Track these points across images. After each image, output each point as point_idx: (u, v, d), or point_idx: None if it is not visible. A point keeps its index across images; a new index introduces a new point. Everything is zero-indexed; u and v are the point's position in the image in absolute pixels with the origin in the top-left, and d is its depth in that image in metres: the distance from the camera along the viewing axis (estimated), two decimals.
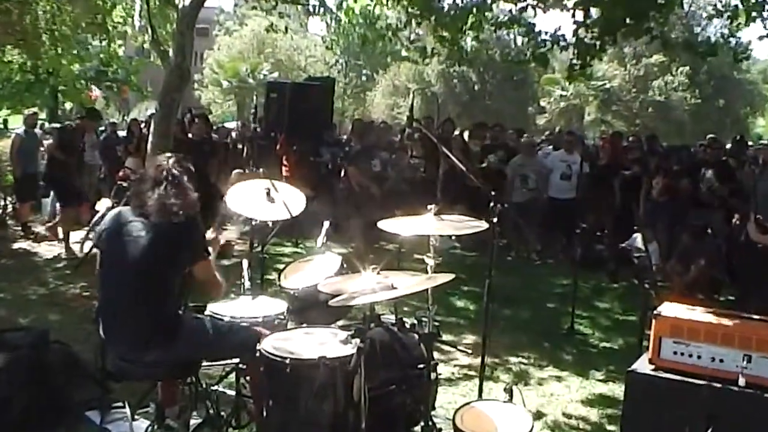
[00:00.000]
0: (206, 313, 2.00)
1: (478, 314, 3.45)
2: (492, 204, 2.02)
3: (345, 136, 7.47)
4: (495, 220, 2.02)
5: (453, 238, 5.46)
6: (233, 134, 7.17)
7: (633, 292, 4.06)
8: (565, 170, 5.34)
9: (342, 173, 5.76)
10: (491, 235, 2.01)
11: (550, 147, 6.31)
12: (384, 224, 1.93)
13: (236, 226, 2.15)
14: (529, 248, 5.33)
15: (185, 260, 1.70)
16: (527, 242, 5.27)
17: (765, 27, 4.09)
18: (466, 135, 7.62)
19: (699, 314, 1.67)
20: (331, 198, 5.96)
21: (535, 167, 5.51)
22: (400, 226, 1.94)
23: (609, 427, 2.30)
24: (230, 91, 22.56)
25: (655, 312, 1.67)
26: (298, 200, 2.41)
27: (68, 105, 12.22)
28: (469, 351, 2.97)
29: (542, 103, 21.75)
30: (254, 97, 6.35)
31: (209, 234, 1.88)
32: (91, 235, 4.12)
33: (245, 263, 2.21)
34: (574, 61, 4.63)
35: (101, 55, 9.25)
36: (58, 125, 7.52)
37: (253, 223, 2.38)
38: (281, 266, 2.46)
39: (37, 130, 6.25)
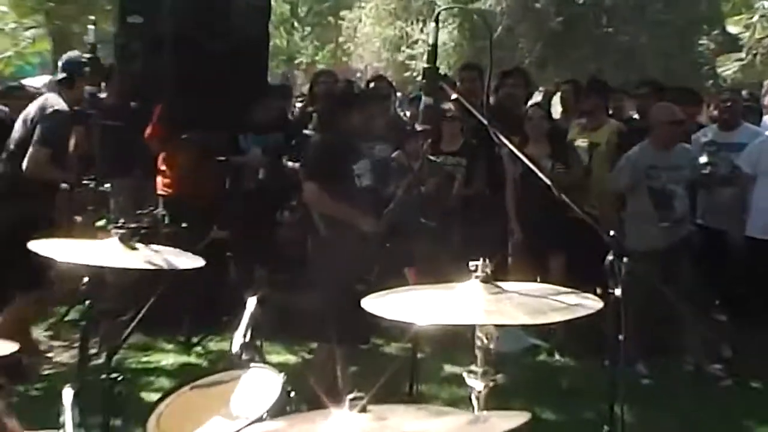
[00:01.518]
0: None
1: None
2: (612, 257, 2.00)
3: (297, 107, 7.69)
4: (619, 291, 1.99)
5: (524, 327, 5.41)
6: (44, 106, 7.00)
7: None
8: None
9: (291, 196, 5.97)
10: (613, 326, 1.99)
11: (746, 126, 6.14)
12: (379, 302, 2.01)
13: None
14: (703, 354, 5.35)
15: None
16: (699, 341, 5.32)
17: None
18: (556, 105, 7.72)
19: None
20: (264, 246, 6.15)
21: (684, 170, 5.45)
22: (412, 305, 2.01)
23: None
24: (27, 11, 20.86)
25: None
26: (189, 255, 2.54)
27: None
28: None
29: (732, 29, 19.65)
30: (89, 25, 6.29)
31: None
32: None
33: (67, 395, 2.24)
34: None
35: None
36: None
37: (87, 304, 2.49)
38: (153, 397, 2.63)
39: None
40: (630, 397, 2.31)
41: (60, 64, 5.32)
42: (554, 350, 5.69)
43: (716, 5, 20.45)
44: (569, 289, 2.07)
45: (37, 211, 4.80)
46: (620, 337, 2.10)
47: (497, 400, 1.93)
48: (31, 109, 4.97)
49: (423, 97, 2.34)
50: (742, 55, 18.16)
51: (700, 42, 20.43)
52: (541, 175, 2.21)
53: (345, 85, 6.46)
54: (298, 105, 7.86)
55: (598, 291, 2.18)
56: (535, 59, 18.88)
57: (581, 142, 6.10)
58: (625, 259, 2.07)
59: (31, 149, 4.82)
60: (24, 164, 4.81)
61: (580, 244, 6.01)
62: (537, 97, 8.80)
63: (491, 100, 6.73)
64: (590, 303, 1.99)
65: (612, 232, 2.08)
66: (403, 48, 21.83)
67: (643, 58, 18.87)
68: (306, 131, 6.43)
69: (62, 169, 5.03)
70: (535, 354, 5.69)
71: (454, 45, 19.65)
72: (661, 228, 5.30)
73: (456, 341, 4.58)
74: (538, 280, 6.04)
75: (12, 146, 4.98)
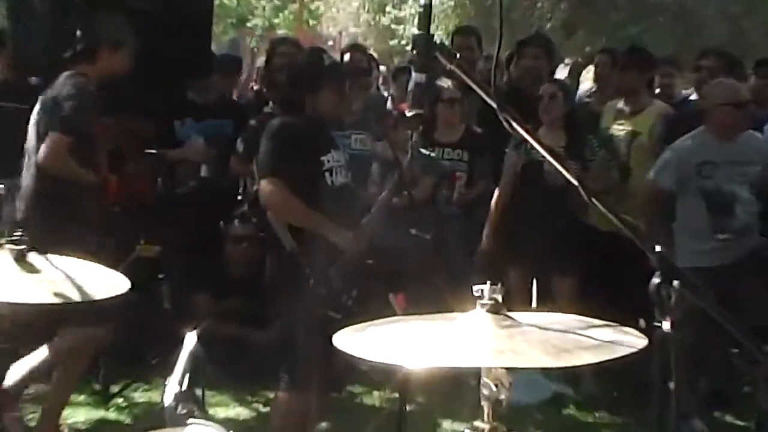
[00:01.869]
0: None
1: None
2: (659, 280, 2.01)
3: (253, 86, 7.71)
4: (668, 325, 2.00)
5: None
6: None
7: None
8: None
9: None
10: (660, 370, 2.00)
11: None
12: (357, 338, 2.05)
13: None
14: None
15: None
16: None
17: None
18: (586, 80, 7.78)
19: None
20: (207, 264, 6.18)
21: (750, 166, 5.47)
22: (400, 343, 2.04)
23: None
24: None
25: None
26: (112, 279, 2.53)
27: None
28: None
29: None
30: None
31: None
32: None
33: None
34: None
35: None
36: None
37: None
38: None
39: None
40: None
41: None
42: (584, 401, 5.73)
43: None
44: (604, 322, 2.11)
45: None
46: (670, 384, 2.11)
47: None
48: None
49: (413, 73, 2.30)
50: None
51: None
52: (565, 172, 2.22)
53: (312, 56, 6.45)
54: (252, 82, 7.87)
55: (641, 324, 2.20)
56: (559, 23, 18.83)
57: (618, 131, 6.15)
58: (675, 283, 2.08)
59: None
60: None
61: (606, 262, 6.20)
62: (562, 72, 8.88)
63: (505, 75, 6.78)
64: (631, 340, 2.02)
65: (658, 247, 2.09)
66: (388, 8, 22.04)
67: (701, 21, 18.57)
68: (262, 116, 6.43)
69: None
70: (560, 405, 5.72)
71: (454, 5, 19.77)
72: (718, 241, 5.36)
73: (456, 389, 4.60)
74: (534, 306, 6.16)
75: None
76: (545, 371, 5.32)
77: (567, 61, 9.94)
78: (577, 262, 5.78)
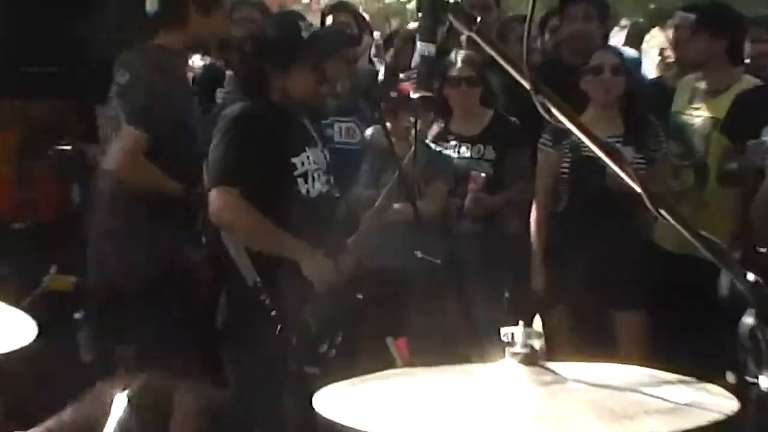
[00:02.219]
0: None
1: None
2: (755, 321, 2.01)
3: (200, 62, 7.75)
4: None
5: None
6: None
7: None
8: None
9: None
10: None
11: None
12: (344, 398, 2.08)
13: None
14: None
15: None
16: None
17: None
18: (651, 49, 7.85)
19: None
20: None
21: None
22: (402, 404, 2.05)
23: None
24: None
25: None
26: (11, 320, 2.50)
27: None
28: None
29: None
30: None
31: None
32: None
33: None
34: None
35: None
36: None
37: None
38: None
39: None
40: None
41: None
42: None
43: None
44: (679, 377, 2.12)
45: None
46: None
47: None
48: None
49: (418, 43, 2.30)
50: None
51: None
52: (624, 174, 2.21)
53: (281, 23, 6.47)
54: (199, 58, 7.88)
55: (729, 378, 2.19)
56: None
57: (694, 117, 6.18)
58: None
59: None
60: None
61: (682, 294, 6.21)
62: (618, 36, 8.99)
63: (539, 44, 6.80)
64: (716, 401, 2.03)
65: (752, 275, 2.09)
66: None
67: None
68: (216, 99, 6.52)
69: None
70: None
71: None
72: None
73: None
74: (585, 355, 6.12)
75: None
76: None
77: (624, 22, 9.93)
78: (643, 295, 5.78)
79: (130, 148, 4.95)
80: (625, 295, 5.79)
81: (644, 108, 6.14)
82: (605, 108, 5.85)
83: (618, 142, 5.61)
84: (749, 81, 6.25)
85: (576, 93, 5.69)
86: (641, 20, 9.80)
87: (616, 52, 6.62)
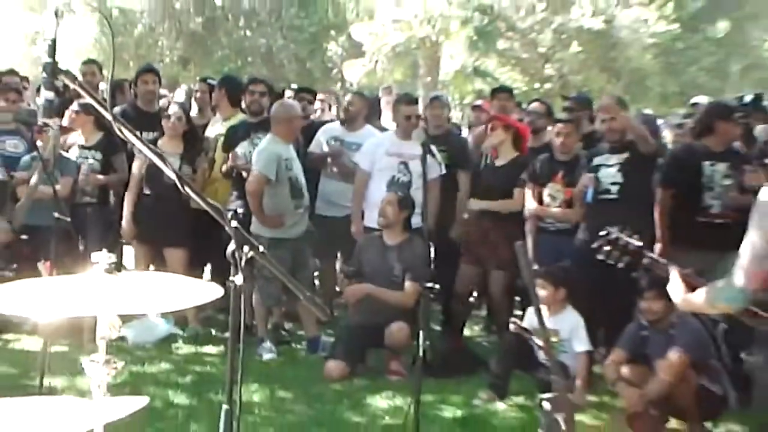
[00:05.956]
0: None
1: None
2: None
3: None
4: None
5: None
6: None
7: None
8: None
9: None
10: None
11: None
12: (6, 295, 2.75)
13: None
14: None
15: None
16: None
17: None
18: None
19: None
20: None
21: None
22: (34, 300, 2.87)
23: None
24: None
25: None
26: None
27: None
28: None
29: (356, 37, 32.33)
30: None
31: None
32: None
33: None
34: None
35: None
36: None
37: None
38: None
39: None
40: None
41: None
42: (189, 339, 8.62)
43: (343, 12, 34.21)
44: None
45: None
46: None
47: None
48: None
49: (43, 91, 3.15)
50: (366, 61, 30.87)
51: (329, 47, 34.59)
52: (167, 170, 3.10)
53: None
54: None
55: None
56: (177, 57, 32.13)
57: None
58: None
59: None
60: None
61: None
62: (179, 95, 12.47)
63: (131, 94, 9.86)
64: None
65: (236, 224, 3.08)
66: (38, 40, 29.32)
67: (281, 60, 32.39)
68: None
69: None
70: (171, 342, 8.47)
71: (94, 41, 29.65)
72: None
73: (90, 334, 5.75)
74: None
75: None
76: (164, 316, 7.84)
77: (182, 86, 14.41)
78: None
79: None
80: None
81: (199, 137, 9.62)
82: (173, 137, 8.91)
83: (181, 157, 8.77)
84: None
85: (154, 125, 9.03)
86: (193, 86, 13.87)
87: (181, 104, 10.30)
